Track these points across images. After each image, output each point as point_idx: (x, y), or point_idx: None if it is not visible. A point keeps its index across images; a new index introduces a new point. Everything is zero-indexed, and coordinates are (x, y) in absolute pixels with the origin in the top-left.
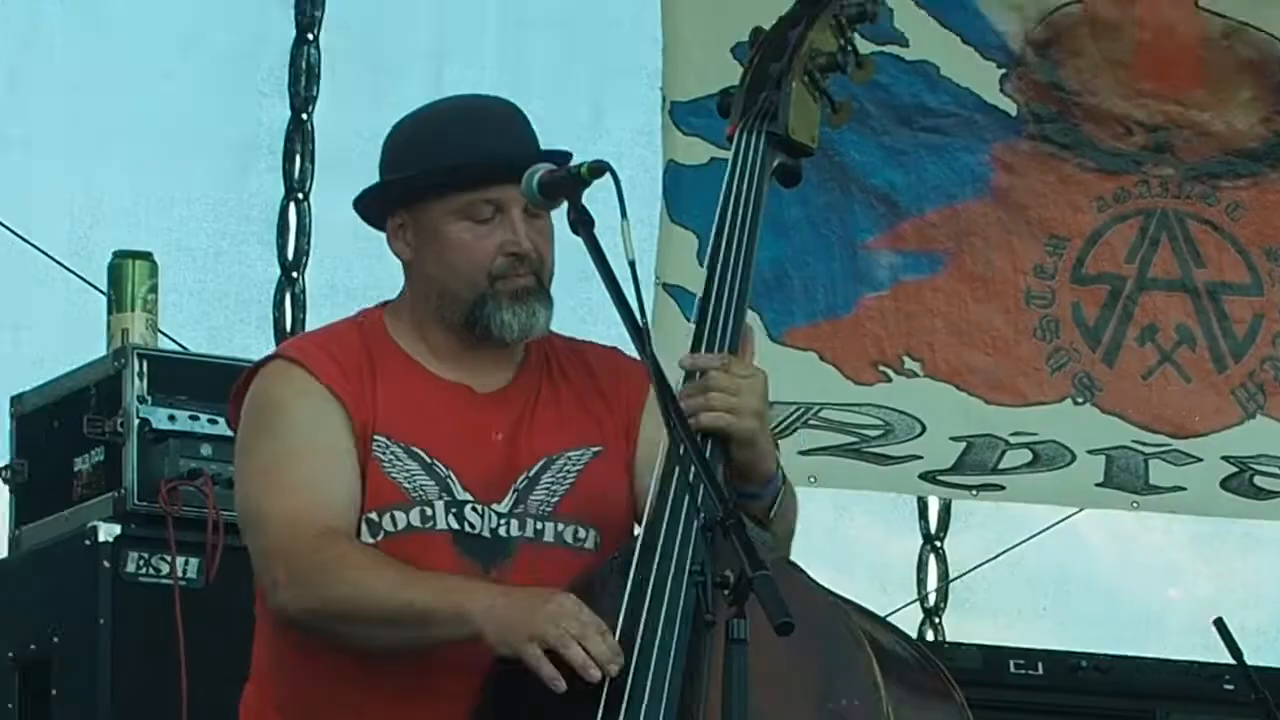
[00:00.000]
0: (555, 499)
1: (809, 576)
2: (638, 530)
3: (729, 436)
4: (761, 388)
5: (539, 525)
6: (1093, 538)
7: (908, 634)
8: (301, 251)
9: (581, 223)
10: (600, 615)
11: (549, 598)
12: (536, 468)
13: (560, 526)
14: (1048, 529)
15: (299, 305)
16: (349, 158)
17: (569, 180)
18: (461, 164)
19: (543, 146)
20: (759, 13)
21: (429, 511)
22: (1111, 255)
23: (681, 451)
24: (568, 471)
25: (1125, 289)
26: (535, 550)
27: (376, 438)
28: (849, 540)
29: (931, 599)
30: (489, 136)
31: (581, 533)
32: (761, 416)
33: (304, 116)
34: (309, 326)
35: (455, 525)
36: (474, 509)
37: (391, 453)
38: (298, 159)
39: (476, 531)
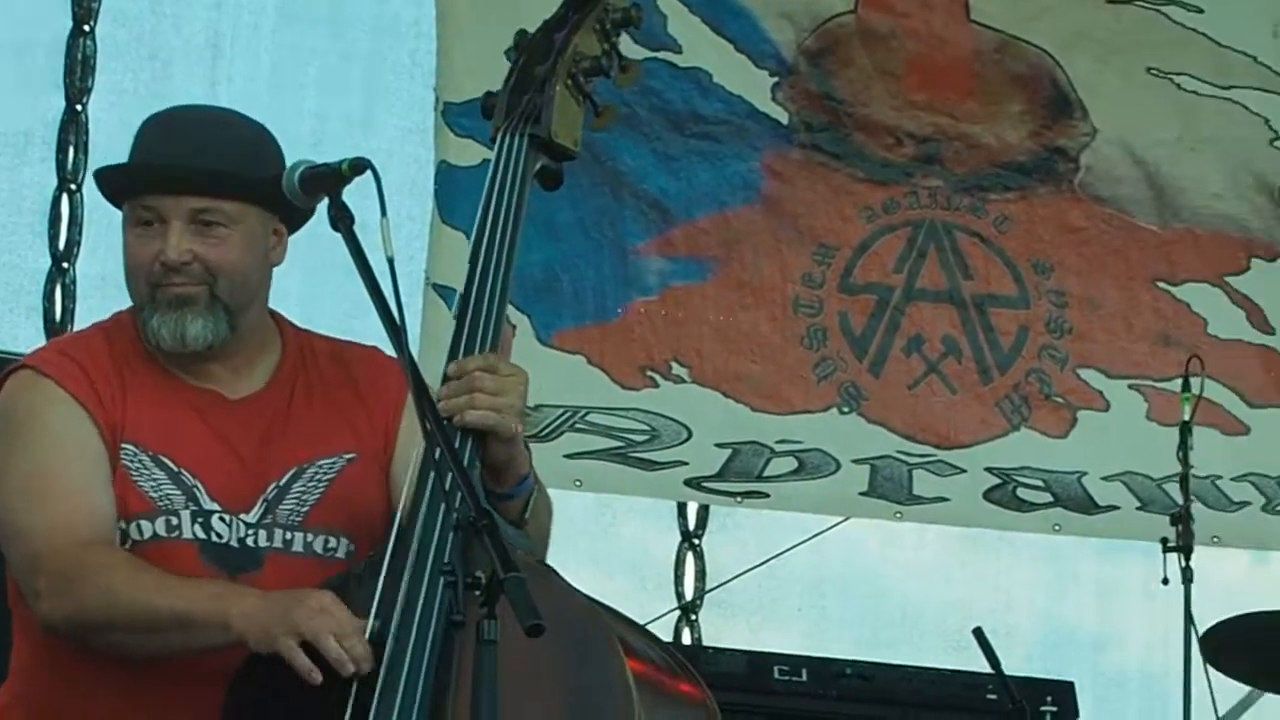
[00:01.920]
0: (305, 508)
1: (564, 580)
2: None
3: (492, 434)
4: (524, 387)
5: (288, 535)
6: (850, 539)
7: (663, 640)
8: (73, 243)
9: (341, 219)
10: (354, 614)
11: (306, 595)
12: (287, 477)
13: (309, 536)
14: (814, 537)
15: (69, 296)
16: (123, 150)
17: (329, 176)
18: (127, 168)
19: (318, 141)
20: (535, 15)
21: (174, 521)
22: (880, 265)
23: (437, 452)
24: (319, 480)
25: (893, 299)
26: (284, 560)
27: (125, 446)
28: (609, 538)
29: (689, 596)
30: (168, 145)
31: (332, 542)
32: (523, 416)
33: (78, 108)
34: (78, 317)
35: (201, 535)
36: (221, 519)
37: (139, 461)
38: (71, 150)
39: (224, 541)
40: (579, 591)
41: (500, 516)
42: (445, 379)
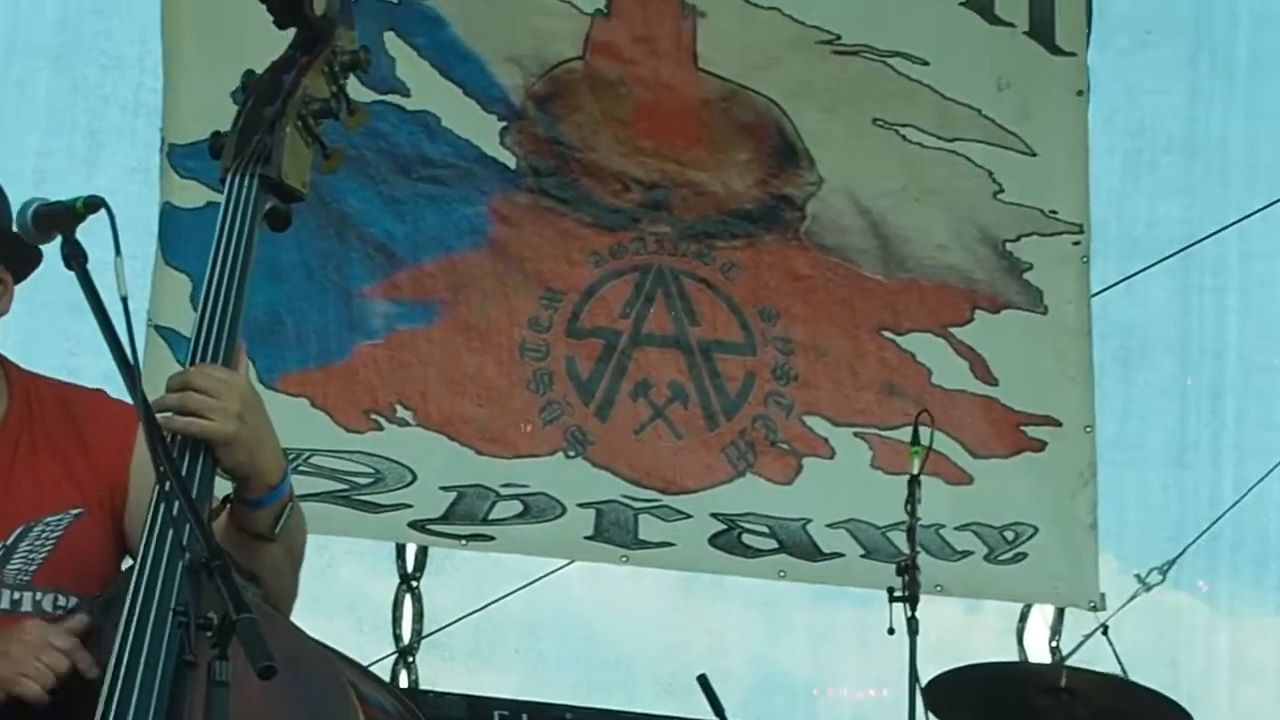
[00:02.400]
0: (32, 568)
1: (295, 625)
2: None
3: (212, 441)
4: (241, 390)
5: (15, 595)
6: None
7: (392, 686)
8: None
9: (74, 257)
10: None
11: (20, 629)
12: (13, 536)
13: (38, 595)
14: (536, 581)
15: None
16: None
17: (63, 214)
18: None
19: (41, 179)
20: (261, 56)
21: None
22: (606, 310)
23: (169, 491)
24: (46, 538)
25: (619, 344)
26: (13, 621)
27: None
28: (326, 579)
29: (406, 639)
30: None
31: (61, 600)
32: (245, 420)
33: None
34: None
35: None
36: None
37: None
38: None
39: None
40: (310, 636)
41: (252, 526)
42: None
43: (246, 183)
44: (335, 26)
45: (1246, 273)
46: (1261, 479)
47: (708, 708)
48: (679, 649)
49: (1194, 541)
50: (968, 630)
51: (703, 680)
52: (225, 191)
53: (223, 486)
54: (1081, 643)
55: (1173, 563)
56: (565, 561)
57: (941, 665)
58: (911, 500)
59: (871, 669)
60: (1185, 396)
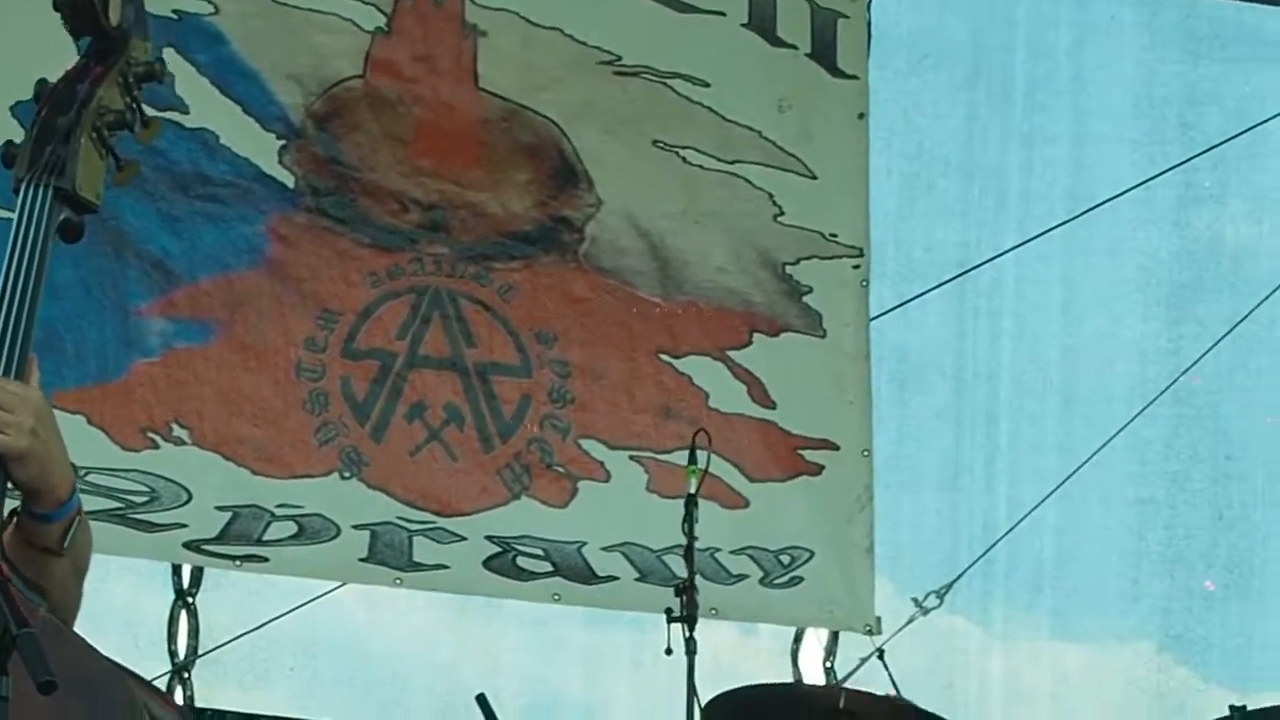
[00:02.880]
0: None
1: (86, 641)
2: None
3: (4, 455)
4: (35, 404)
5: None
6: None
7: (179, 705)
8: None
9: None
10: None
11: None
12: None
13: None
14: (313, 600)
15: None
16: None
17: None
18: None
19: None
20: (42, 71)
21: None
22: (383, 331)
23: None
24: None
25: (395, 365)
26: None
27: None
28: (101, 596)
29: (181, 655)
30: None
31: None
32: (38, 434)
33: None
34: None
35: None
36: None
37: None
38: None
39: None
40: (103, 655)
41: (41, 540)
42: None
43: (40, 194)
44: (130, 37)
45: (1021, 297)
46: (1037, 505)
47: None
48: (453, 669)
49: (970, 566)
50: (742, 652)
51: (481, 699)
52: (18, 202)
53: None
54: (859, 666)
55: (949, 587)
56: (340, 583)
57: (716, 687)
58: (689, 520)
59: (646, 691)
60: (960, 420)
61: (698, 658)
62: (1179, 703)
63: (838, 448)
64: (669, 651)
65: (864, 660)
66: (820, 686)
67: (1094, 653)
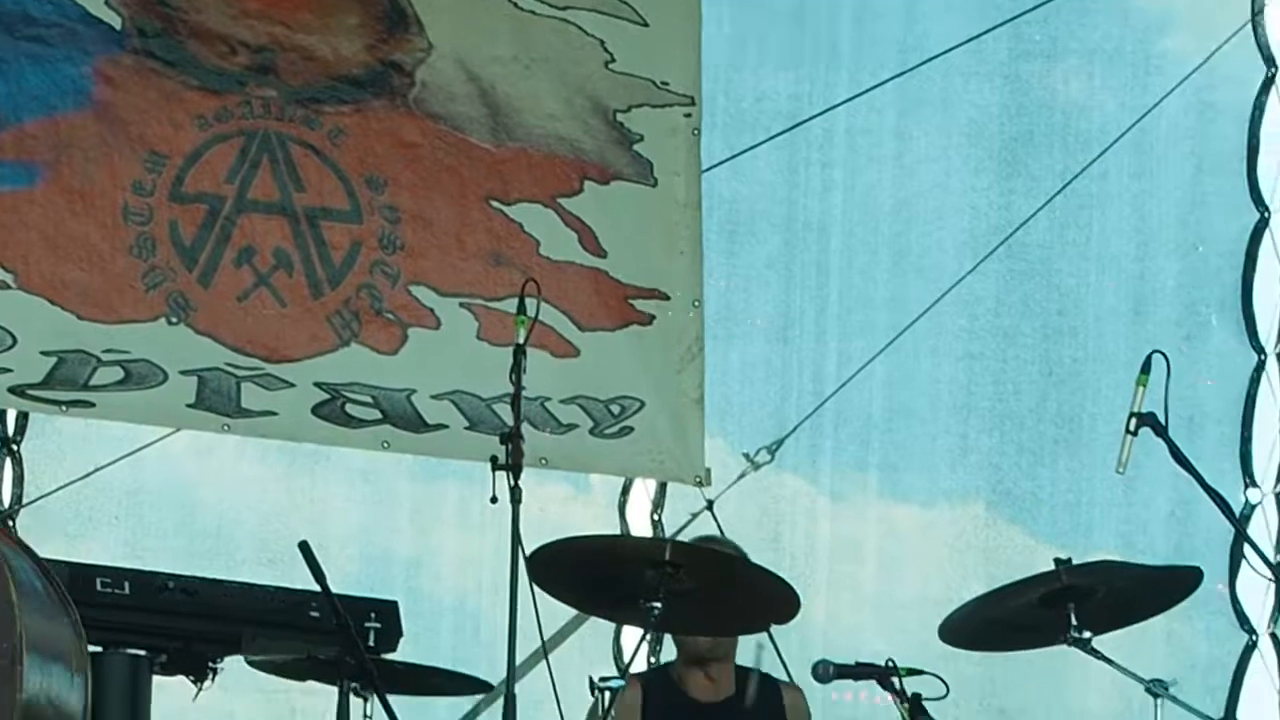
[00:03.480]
0: None
1: None
2: None
3: None
4: None
5: None
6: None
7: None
8: None
9: None
10: None
11: None
12: None
13: None
14: (141, 449)
15: None
16: None
17: None
18: None
19: None
20: None
21: None
22: (211, 175)
23: None
24: None
25: (224, 209)
26: None
27: None
28: None
29: (6, 503)
30: None
31: None
32: None
33: None
34: None
35: None
36: None
37: None
38: None
39: None
40: None
41: None
42: None
43: None
44: None
45: (853, 149)
46: (869, 361)
47: (309, 575)
48: (281, 518)
49: (802, 422)
50: (570, 505)
51: (304, 547)
52: None
53: None
54: (689, 521)
55: (781, 442)
56: (169, 430)
57: (544, 540)
58: (516, 369)
59: (474, 544)
60: (790, 273)
61: (526, 511)
62: (1007, 559)
63: (668, 298)
64: (494, 500)
65: (695, 515)
66: (647, 538)
67: (922, 508)
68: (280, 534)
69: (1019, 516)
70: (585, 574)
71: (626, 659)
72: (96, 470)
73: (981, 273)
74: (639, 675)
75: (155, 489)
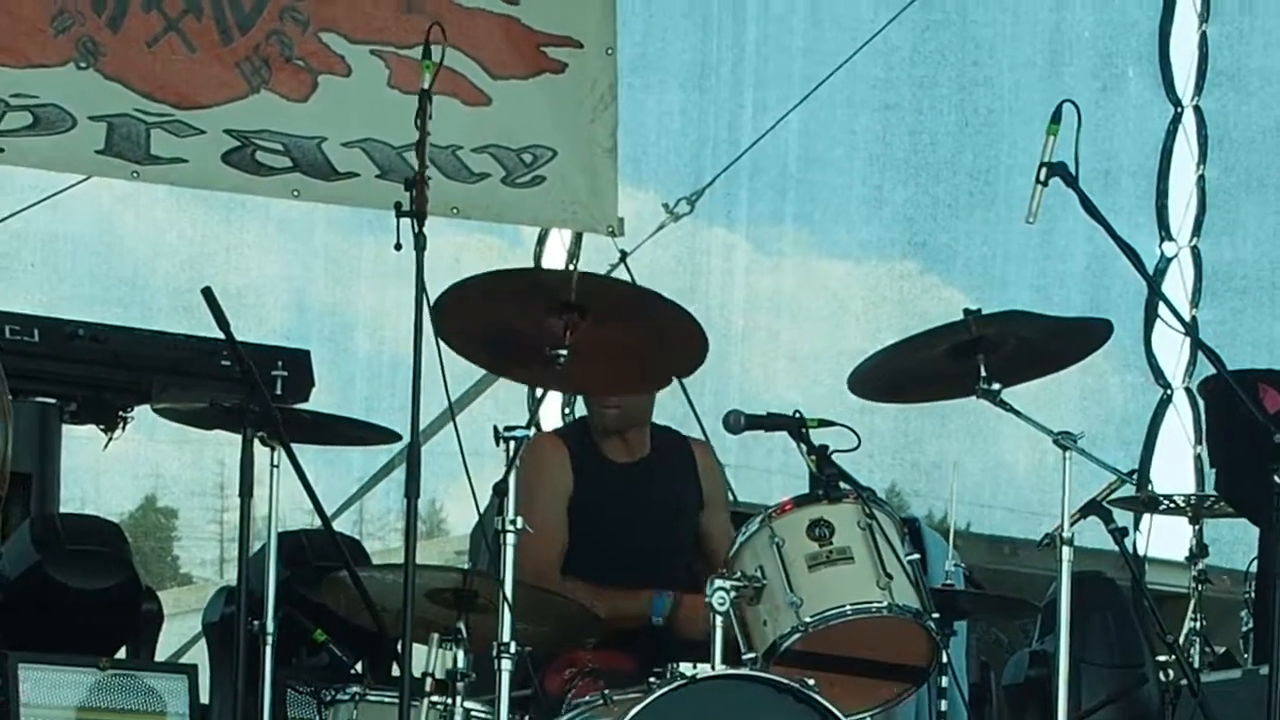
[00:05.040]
0: None
1: None
2: None
3: None
4: None
5: None
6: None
7: None
8: None
9: None
10: None
11: None
12: None
13: None
14: (54, 195)
15: None
16: None
17: None
18: None
19: None
20: None
21: None
22: None
23: None
24: None
25: None
26: None
27: None
28: None
29: None
30: None
31: None
32: None
33: None
34: None
35: None
36: None
37: None
38: None
39: None
40: None
41: None
42: None
43: None
44: None
45: None
46: (788, 113)
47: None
48: (195, 265)
49: (721, 173)
50: (484, 255)
51: (207, 293)
52: None
53: None
54: (608, 273)
55: (700, 193)
56: (82, 177)
57: None
58: (422, 115)
59: (388, 293)
60: (706, 20)
61: (441, 261)
62: (922, 310)
63: (581, 45)
64: (398, 247)
65: (613, 267)
66: (555, 270)
67: (837, 258)
68: (197, 282)
69: (935, 268)
70: (491, 323)
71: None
72: (9, 218)
73: (898, 22)
74: (559, 432)
75: (70, 236)
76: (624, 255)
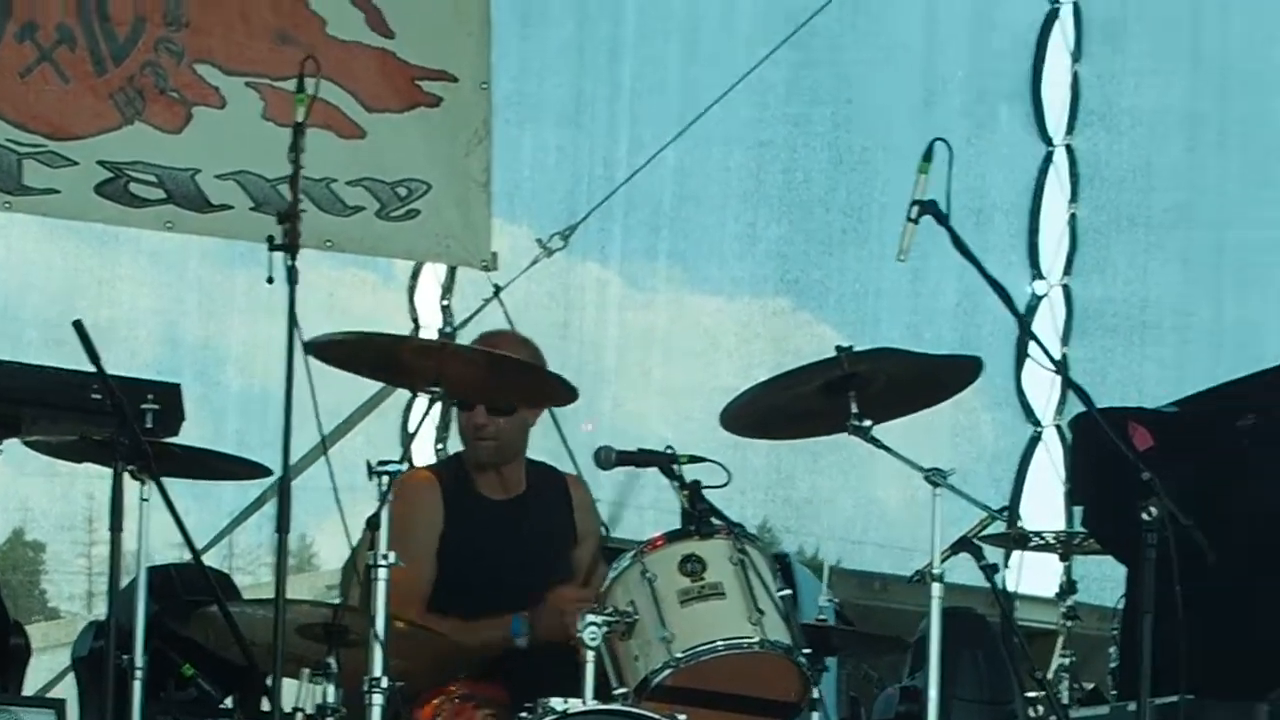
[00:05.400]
0: None
1: None
2: None
3: None
4: None
5: None
6: None
7: None
8: None
9: None
10: None
11: None
12: None
13: None
14: None
15: None
16: None
17: None
18: None
19: None
20: None
21: None
22: None
23: None
24: None
25: None
26: None
27: None
28: None
29: None
30: None
31: None
32: None
33: None
34: None
35: None
36: None
37: None
38: None
39: None
40: None
41: None
42: None
43: None
44: None
45: None
46: (662, 149)
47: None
48: (68, 299)
49: (595, 208)
50: (358, 289)
51: (77, 326)
52: None
53: None
54: (480, 309)
55: (574, 228)
56: None
57: (333, 324)
58: (296, 148)
59: (261, 323)
60: (583, 58)
61: (314, 295)
62: (795, 348)
63: (456, 79)
64: (270, 280)
65: (486, 302)
66: (424, 340)
67: (710, 294)
68: (68, 315)
69: (807, 305)
70: (365, 364)
71: (412, 446)
72: None
73: (773, 60)
74: (432, 468)
75: None
76: (498, 290)
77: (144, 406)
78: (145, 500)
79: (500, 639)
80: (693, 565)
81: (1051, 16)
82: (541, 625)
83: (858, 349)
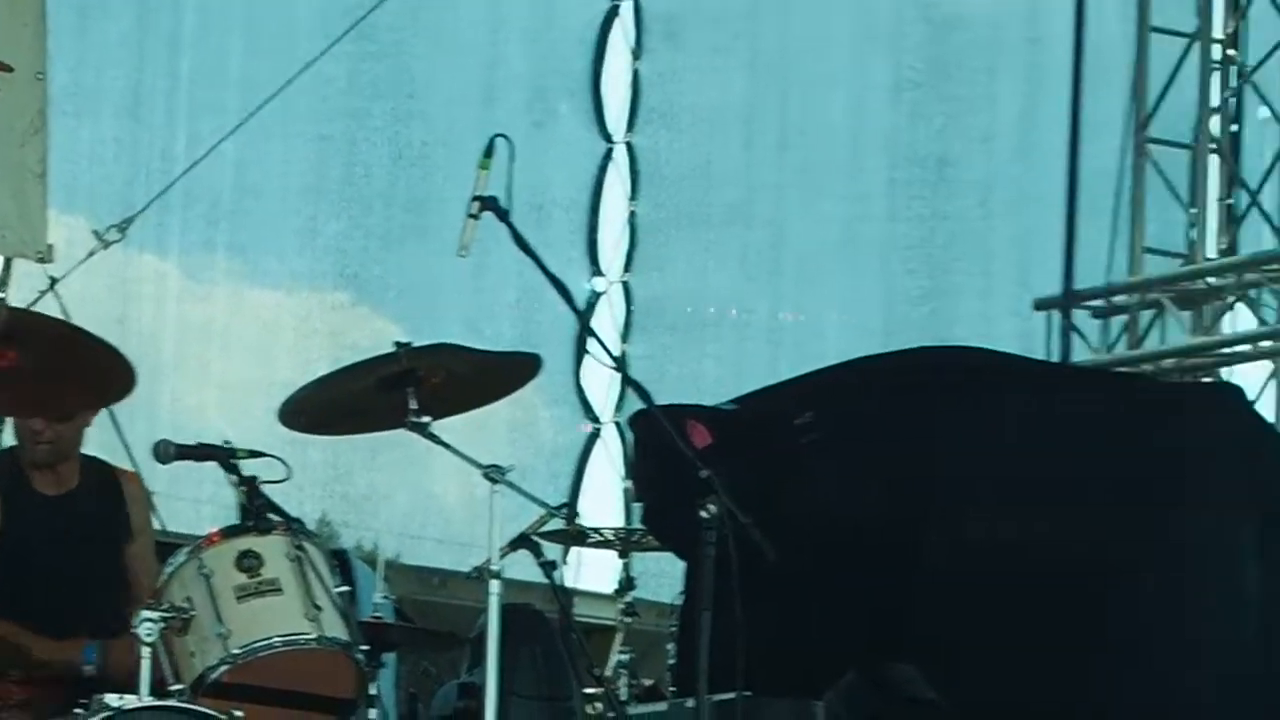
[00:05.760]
0: None
1: None
2: None
3: None
4: None
5: None
6: None
7: None
8: None
9: None
10: None
11: None
12: None
13: None
14: None
15: None
16: None
17: None
18: None
19: None
20: None
21: None
22: None
23: None
24: None
25: None
26: None
27: None
28: None
29: None
30: None
31: None
32: None
33: None
34: None
35: None
36: None
37: None
38: None
39: None
40: None
41: None
42: None
43: None
44: None
45: None
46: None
47: None
48: None
49: (152, 201)
50: None
51: None
52: None
53: None
54: (36, 300)
55: (131, 220)
56: None
57: None
58: None
59: None
60: (142, 49)
61: None
62: (354, 342)
63: (11, 69)
64: None
65: (42, 294)
66: None
67: (269, 288)
68: None
69: (367, 299)
70: None
71: None
72: None
73: (334, 54)
74: None
75: None
76: (54, 282)
77: None
78: None
79: (70, 661)
80: (250, 561)
81: (612, 14)
82: (113, 658)
83: (416, 344)
